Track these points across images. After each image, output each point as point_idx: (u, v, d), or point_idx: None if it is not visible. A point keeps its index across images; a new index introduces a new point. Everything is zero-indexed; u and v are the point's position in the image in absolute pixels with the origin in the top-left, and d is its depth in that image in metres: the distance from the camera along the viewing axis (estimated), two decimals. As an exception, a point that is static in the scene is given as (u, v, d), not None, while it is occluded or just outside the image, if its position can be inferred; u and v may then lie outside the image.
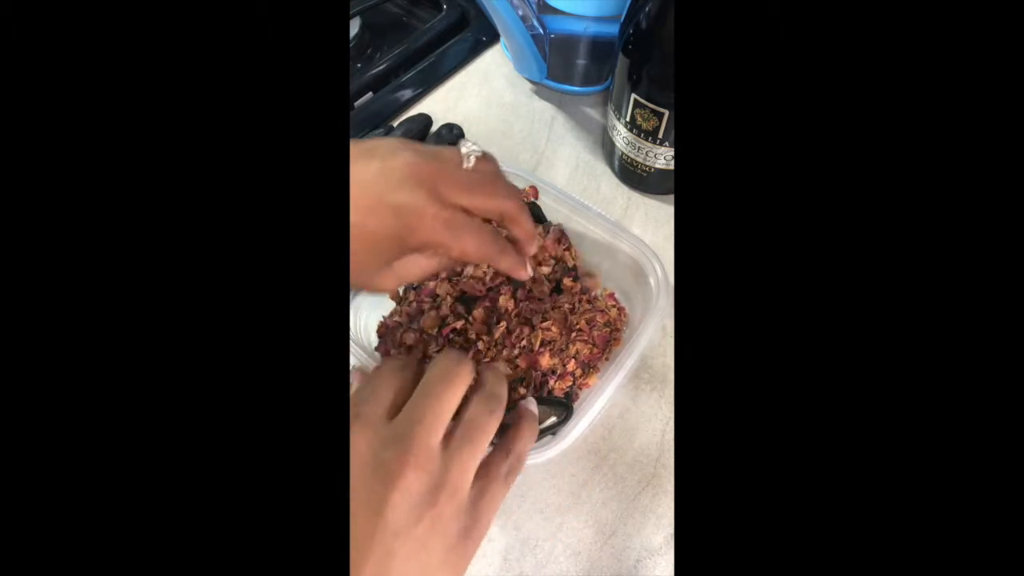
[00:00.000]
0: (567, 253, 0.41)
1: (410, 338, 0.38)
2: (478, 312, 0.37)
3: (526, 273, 0.31)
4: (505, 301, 0.38)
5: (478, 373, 0.27)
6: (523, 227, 0.30)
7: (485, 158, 0.29)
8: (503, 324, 0.37)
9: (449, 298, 0.38)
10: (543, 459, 0.31)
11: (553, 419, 0.32)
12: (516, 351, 0.36)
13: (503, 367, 0.35)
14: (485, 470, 0.24)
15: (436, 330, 0.37)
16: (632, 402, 0.39)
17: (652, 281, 0.37)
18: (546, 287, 0.39)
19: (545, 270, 0.40)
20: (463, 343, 0.37)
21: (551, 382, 0.36)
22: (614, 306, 0.40)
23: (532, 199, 0.41)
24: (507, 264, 0.30)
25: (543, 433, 0.32)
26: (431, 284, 0.39)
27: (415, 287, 0.40)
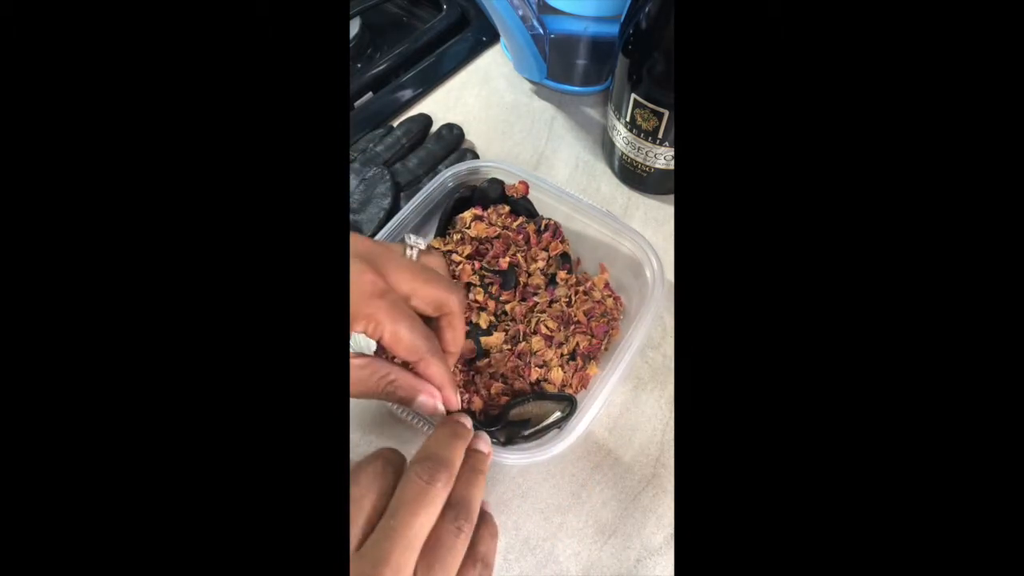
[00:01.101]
0: (561, 245, 0.41)
1: None
2: (495, 337, 0.37)
3: (454, 401, 0.29)
4: (512, 306, 0.38)
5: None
6: (456, 330, 0.30)
7: (432, 256, 0.31)
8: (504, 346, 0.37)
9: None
10: (551, 455, 0.31)
11: (558, 414, 0.32)
12: (518, 361, 0.36)
13: (496, 386, 0.36)
14: None
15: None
16: (632, 402, 0.39)
17: (648, 273, 0.37)
18: (542, 280, 0.39)
19: (540, 264, 0.40)
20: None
21: (549, 374, 0.36)
22: (610, 296, 0.40)
23: (523, 195, 0.41)
24: (436, 372, 0.28)
25: (548, 428, 0.32)
26: None
27: None
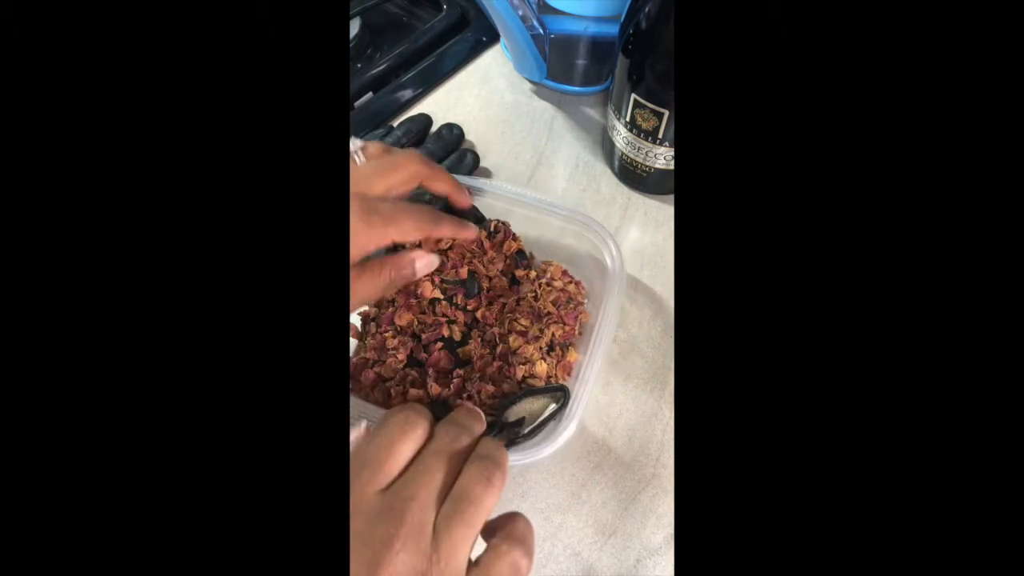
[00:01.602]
0: (515, 243, 0.41)
1: (371, 376, 0.37)
2: (471, 346, 0.37)
3: (471, 231, 0.33)
4: (482, 312, 0.38)
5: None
6: (442, 179, 0.32)
7: (370, 146, 0.31)
8: (480, 351, 0.37)
9: (405, 339, 0.38)
10: (552, 451, 0.31)
11: (552, 406, 0.32)
12: (500, 362, 0.36)
13: (488, 387, 0.35)
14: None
15: (402, 368, 0.37)
16: (632, 402, 0.39)
17: (608, 261, 0.38)
18: (504, 281, 0.39)
19: (499, 266, 0.40)
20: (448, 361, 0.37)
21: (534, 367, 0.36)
22: (570, 281, 0.40)
23: (467, 207, 0.41)
24: (449, 229, 0.31)
25: (546, 423, 0.32)
26: (388, 311, 0.38)
27: (374, 319, 0.39)
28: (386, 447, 0.23)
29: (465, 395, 0.35)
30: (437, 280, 0.39)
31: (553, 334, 0.37)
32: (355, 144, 0.31)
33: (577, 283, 0.40)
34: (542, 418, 0.32)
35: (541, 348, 0.36)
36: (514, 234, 0.41)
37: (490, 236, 0.40)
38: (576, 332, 0.38)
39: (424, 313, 0.38)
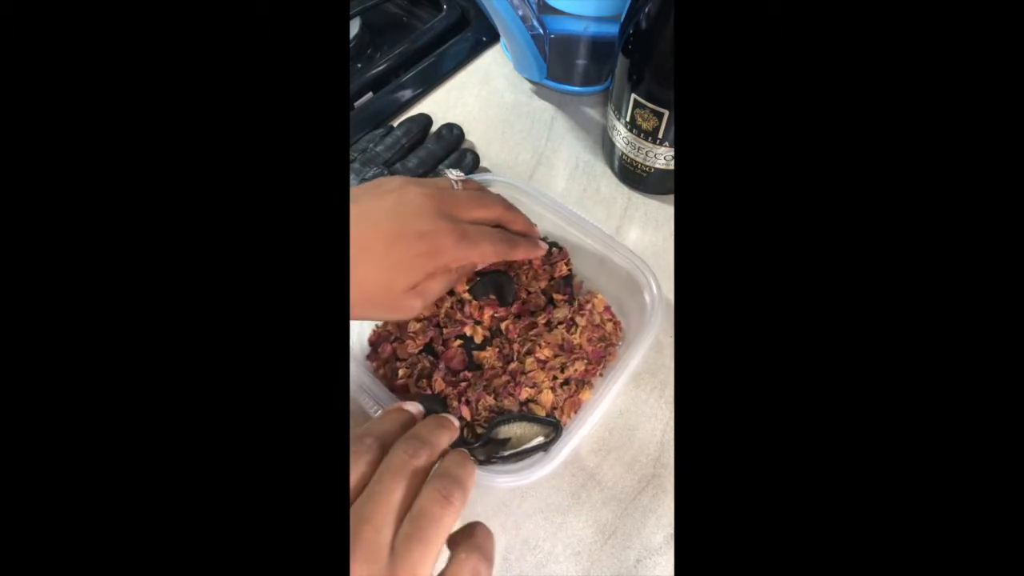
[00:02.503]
0: (566, 267, 0.40)
1: (387, 350, 0.38)
2: (488, 352, 0.37)
3: (542, 247, 0.37)
4: (507, 325, 0.38)
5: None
6: (520, 221, 0.36)
7: (468, 182, 0.35)
8: (494, 361, 0.37)
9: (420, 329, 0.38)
10: (531, 480, 0.30)
11: (540, 439, 0.32)
12: (508, 378, 0.36)
13: (488, 399, 0.35)
14: None
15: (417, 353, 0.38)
16: (632, 402, 0.39)
17: (647, 297, 0.37)
18: (541, 299, 0.39)
19: (542, 284, 0.40)
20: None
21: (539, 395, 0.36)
22: (610, 320, 0.40)
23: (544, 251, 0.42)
24: (524, 250, 0.36)
25: (529, 452, 0.32)
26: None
27: None
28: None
29: (464, 399, 0.35)
30: (474, 277, 0.39)
31: (576, 368, 0.37)
32: (455, 174, 0.35)
33: (616, 323, 0.40)
34: (528, 446, 0.32)
35: (555, 378, 0.36)
36: (568, 258, 0.41)
37: (548, 253, 0.40)
38: (599, 372, 0.38)
39: (452, 308, 0.38)
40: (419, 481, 0.23)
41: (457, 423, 0.28)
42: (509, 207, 0.36)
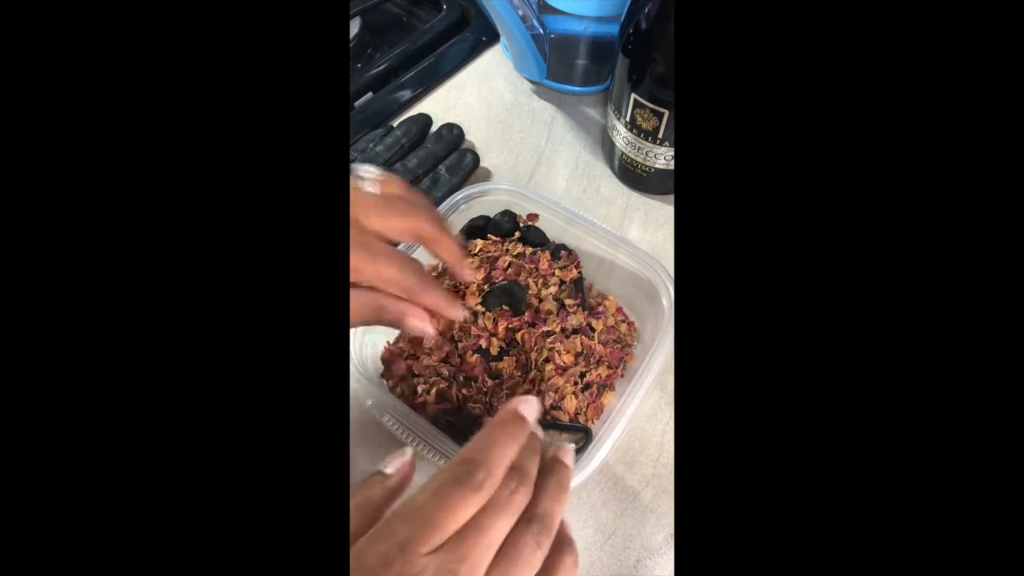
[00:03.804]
0: (575, 271, 0.40)
1: (403, 367, 0.37)
2: (506, 363, 0.37)
3: (458, 312, 0.29)
4: (522, 335, 0.37)
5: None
6: (445, 246, 0.29)
7: (389, 182, 0.28)
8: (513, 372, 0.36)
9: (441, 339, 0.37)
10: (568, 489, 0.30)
11: (572, 446, 0.32)
12: (529, 386, 0.36)
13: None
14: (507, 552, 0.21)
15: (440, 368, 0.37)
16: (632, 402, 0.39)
17: (664, 300, 0.37)
18: (553, 306, 0.39)
19: (552, 290, 0.39)
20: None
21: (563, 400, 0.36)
22: (623, 321, 0.40)
23: (531, 223, 0.41)
24: (431, 299, 0.28)
25: None
26: None
27: None
28: (446, 507, 0.21)
29: (487, 406, 0.35)
30: (483, 286, 0.38)
31: (598, 374, 0.37)
32: (372, 172, 0.28)
33: (630, 323, 0.40)
34: None
35: (576, 383, 0.36)
36: (578, 261, 0.41)
37: (553, 258, 0.40)
38: (619, 375, 0.38)
39: (467, 322, 0.38)
40: (513, 516, 0.22)
41: (538, 440, 0.25)
42: (436, 223, 0.29)
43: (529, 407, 0.25)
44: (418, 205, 0.29)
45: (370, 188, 0.28)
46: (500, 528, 0.21)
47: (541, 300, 0.39)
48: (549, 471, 0.24)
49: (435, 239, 0.29)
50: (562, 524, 0.23)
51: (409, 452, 0.25)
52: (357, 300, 0.26)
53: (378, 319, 0.27)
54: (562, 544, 0.23)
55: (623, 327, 0.39)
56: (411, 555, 0.19)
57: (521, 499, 0.22)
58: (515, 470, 0.23)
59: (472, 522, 0.21)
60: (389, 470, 0.24)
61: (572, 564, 0.23)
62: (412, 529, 0.20)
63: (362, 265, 0.25)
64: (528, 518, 0.22)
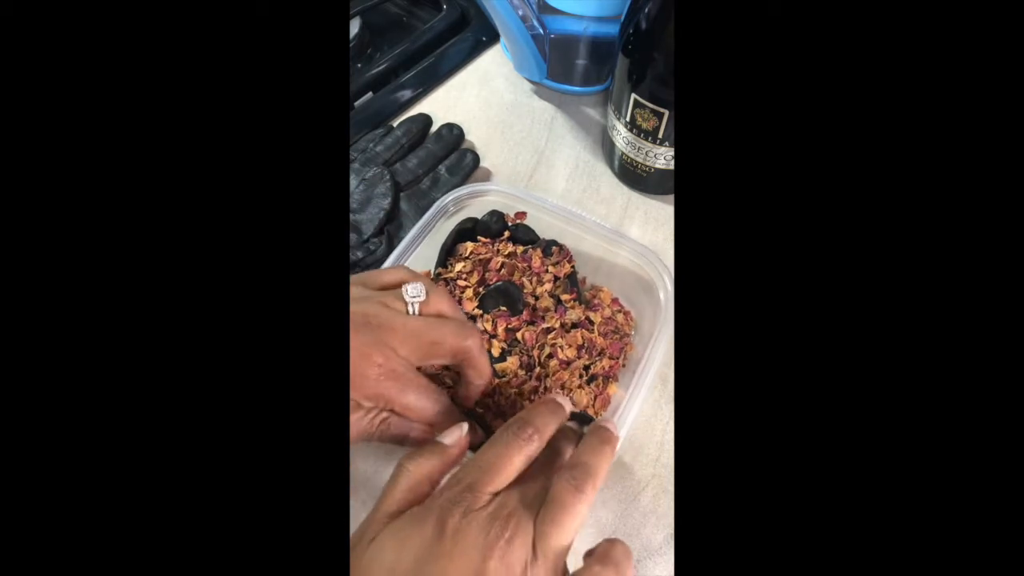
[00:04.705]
0: (568, 265, 0.40)
1: None
2: (509, 363, 0.37)
3: (475, 437, 0.29)
4: (522, 334, 0.37)
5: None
6: (476, 371, 0.31)
7: (431, 300, 0.29)
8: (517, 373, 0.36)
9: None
10: None
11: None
12: (537, 383, 0.36)
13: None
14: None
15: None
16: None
17: (661, 293, 0.37)
18: (550, 303, 0.39)
19: (547, 287, 0.39)
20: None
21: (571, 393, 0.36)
22: (619, 311, 0.40)
23: (519, 222, 0.41)
24: (453, 437, 0.28)
25: None
26: None
27: None
28: (503, 455, 0.24)
29: (495, 411, 0.35)
30: (478, 289, 0.38)
31: (602, 366, 0.37)
32: (412, 294, 0.29)
33: (626, 313, 0.40)
34: None
35: (581, 375, 0.36)
36: (571, 255, 0.41)
37: (544, 254, 0.40)
38: (620, 365, 0.38)
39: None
40: (526, 454, 0.24)
41: (567, 402, 0.28)
42: (468, 349, 0.30)
43: (565, 400, 0.28)
44: (459, 326, 0.30)
45: (414, 310, 0.29)
46: (545, 477, 0.24)
47: (537, 298, 0.39)
48: (592, 431, 0.27)
49: (471, 359, 0.30)
50: (621, 552, 0.24)
51: (465, 426, 0.27)
52: (358, 420, 0.28)
53: (380, 435, 0.29)
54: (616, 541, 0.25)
55: (620, 317, 0.39)
56: (478, 493, 0.23)
57: (564, 450, 0.26)
58: (563, 435, 0.26)
59: (525, 474, 0.24)
60: (448, 440, 0.26)
61: (625, 555, 0.24)
62: (477, 474, 0.23)
63: (393, 395, 0.27)
64: (570, 466, 0.24)
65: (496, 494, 0.23)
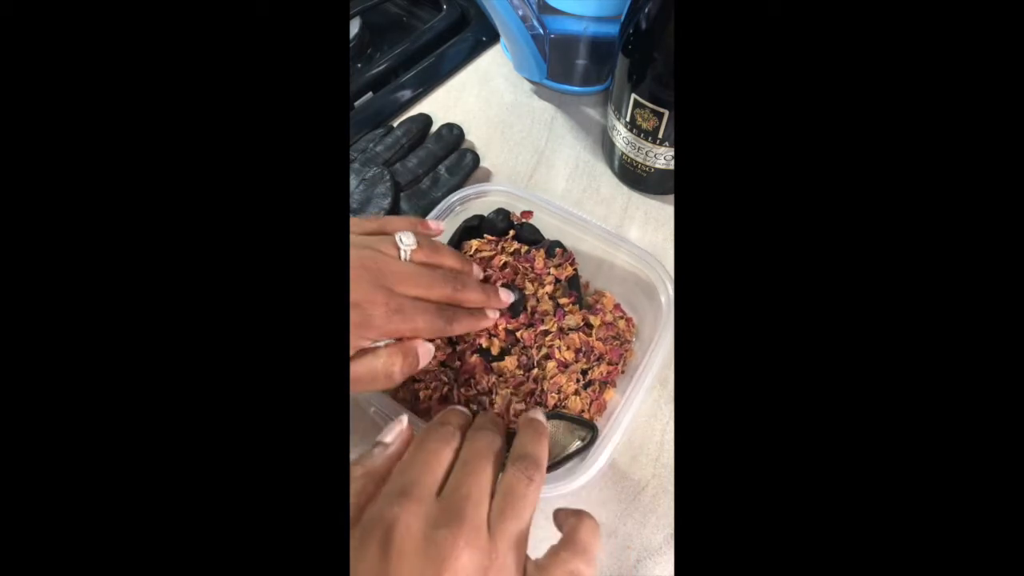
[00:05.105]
0: (571, 268, 0.40)
1: (402, 394, 0.37)
2: (508, 362, 0.37)
3: (488, 320, 0.34)
4: (522, 334, 0.37)
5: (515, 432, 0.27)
6: (473, 297, 0.33)
7: (420, 249, 0.32)
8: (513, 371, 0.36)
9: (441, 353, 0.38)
10: (573, 487, 0.30)
11: (578, 443, 0.32)
12: (534, 385, 0.36)
13: (515, 404, 0.35)
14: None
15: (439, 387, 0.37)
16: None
17: (662, 297, 0.37)
18: (550, 305, 0.39)
19: (548, 289, 0.39)
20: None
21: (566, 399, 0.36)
22: (621, 317, 0.40)
23: (525, 220, 0.41)
24: (463, 326, 0.32)
25: (568, 459, 0.31)
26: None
27: None
28: (434, 454, 0.24)
29: (492, 406, 0.35)
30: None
31: (600, 372, 0.37)
32: (407, 241, 0.31)
33: (628, 319, 0.40)
34: (566, 454, 0.31)
35: (578, 380, 0.36)
36: (573, 258, 0.41)
37: (548, 255, 0.40)
38: (619, 371, 0.38)
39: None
40: (499, 463, 0.25)
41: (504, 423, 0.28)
42: (459, 285, 0.32)
43: (464, 410, 0.29)
44: (440, 274, 0.32)
45: (407, 255, 0.31)
46: (490, 471, 0.24)
47: (538, 301, 0.39)
48: (523, 425, 0.27)
49: (462, 299, 0.33)
50: (587, 532, 0.25)
51: (405, 419, 0.27)
52: (363, 363, 0.29)
53: (450, 328, 0.32)
54: (581, 512, 0.26)
55: (621, 323, 0.39)
56: (417, 495, 0.22)
57: (499, 447, 0.26)
58: (486, 428, 0.26)
59: (464, 467, 0.24)
60: (388, 439, 0.26)
61: (592, 527, 0.25)
62: (410, 475, 0.23)
63: (401, 327, 0.29)
64: (514, 459, 0.25)
65: (439, 492, 0.23)
